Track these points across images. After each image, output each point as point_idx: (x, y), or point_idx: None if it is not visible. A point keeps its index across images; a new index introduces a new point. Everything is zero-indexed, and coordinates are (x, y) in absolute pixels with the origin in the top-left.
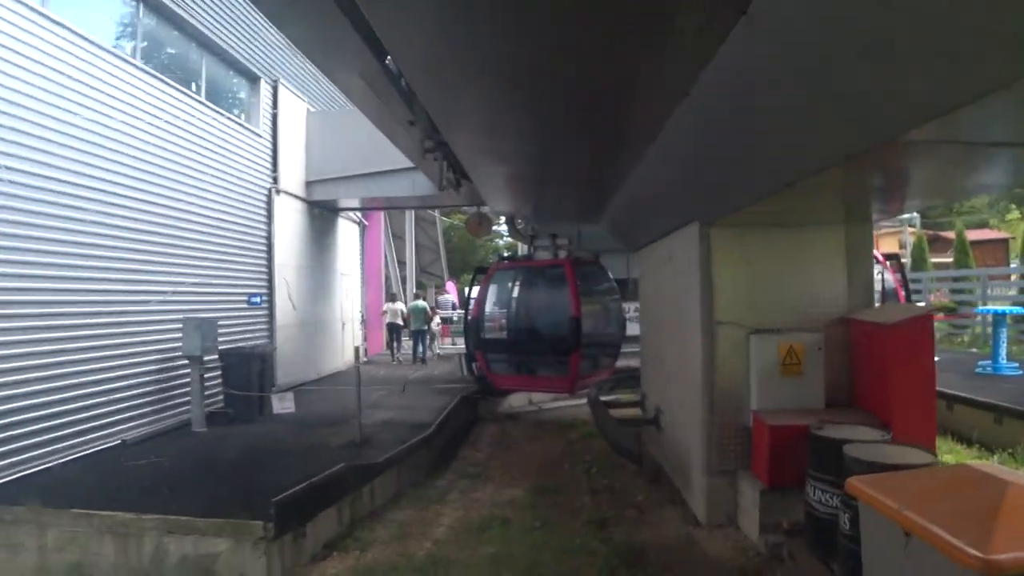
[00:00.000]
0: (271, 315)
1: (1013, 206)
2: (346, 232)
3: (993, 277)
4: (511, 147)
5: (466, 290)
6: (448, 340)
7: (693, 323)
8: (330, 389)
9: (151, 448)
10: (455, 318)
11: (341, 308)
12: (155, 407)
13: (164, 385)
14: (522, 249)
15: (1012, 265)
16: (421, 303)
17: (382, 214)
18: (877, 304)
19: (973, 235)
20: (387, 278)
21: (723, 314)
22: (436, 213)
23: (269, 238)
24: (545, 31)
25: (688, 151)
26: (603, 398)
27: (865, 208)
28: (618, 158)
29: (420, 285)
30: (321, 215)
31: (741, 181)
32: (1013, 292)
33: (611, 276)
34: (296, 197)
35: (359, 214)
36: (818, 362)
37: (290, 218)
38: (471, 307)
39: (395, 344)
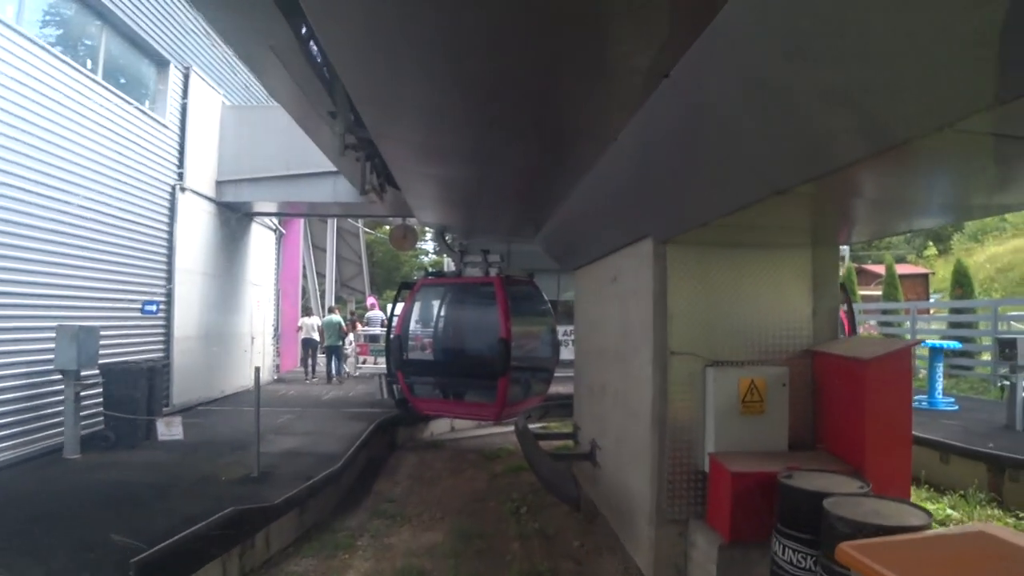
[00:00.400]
0: (168, 325)
1: (931, 242)
2: (260, 239)
3: (922, 311)
4: (447, 143)
5: (388, 307)
6: (370, 359)
7: (642, 352)
8: (233, 410)
9: (6, 479)
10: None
11: (251, 321)
12: (20, 429)
13: (32, 404)
14: (449, 265)
15: (932, 299)
16: (336, 318)
17: (301, 222)
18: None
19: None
20: (305, 291)
21: (678, 343)
22: (360, 224)
23: (170, 240)
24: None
25: (642, 156)
26: (532, 426)
27: (833, 230)
28: (566, 161)
29: (340, 300)
30: (233, 219)
31: (696, 194)
32: (940, 326)
33: (545, 297)
34: (205, 197)
35: (276, 220)
36: (782, 400)
37: (197, 220)
38: (394, 324)
39: (310, 361)
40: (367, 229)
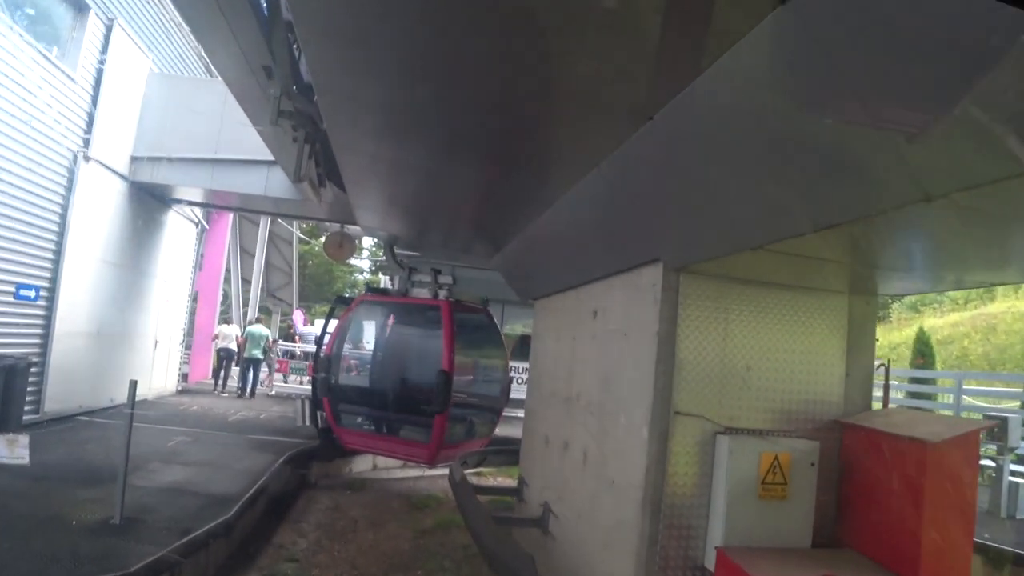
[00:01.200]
0: (50, 316)
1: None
2: (178, 231)
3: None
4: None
5: (318, 322)
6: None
7: (635, 410)
8: (120, 424)
9: None
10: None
11: (158, 322)
12: None
13: None
14: (385, 283)
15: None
16: (262, 329)
17: (229, 220)
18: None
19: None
20: (226, 296)
21: (685, 401)
22: (295, 230)
23: (64, 216)
24: None
25: (665, 154)
26: (466, 471)
27: (872, 278)
28: (547, 174)
29: (264, 310)
30: (147, 203)
31: (733, 208)
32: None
33: (499, 329)
34: (114, 173)
35: (198, 213)
36: (810, 483)
37: (101, 197)
38: (324, 343)
39: (223, 373)
40: (302, 236)
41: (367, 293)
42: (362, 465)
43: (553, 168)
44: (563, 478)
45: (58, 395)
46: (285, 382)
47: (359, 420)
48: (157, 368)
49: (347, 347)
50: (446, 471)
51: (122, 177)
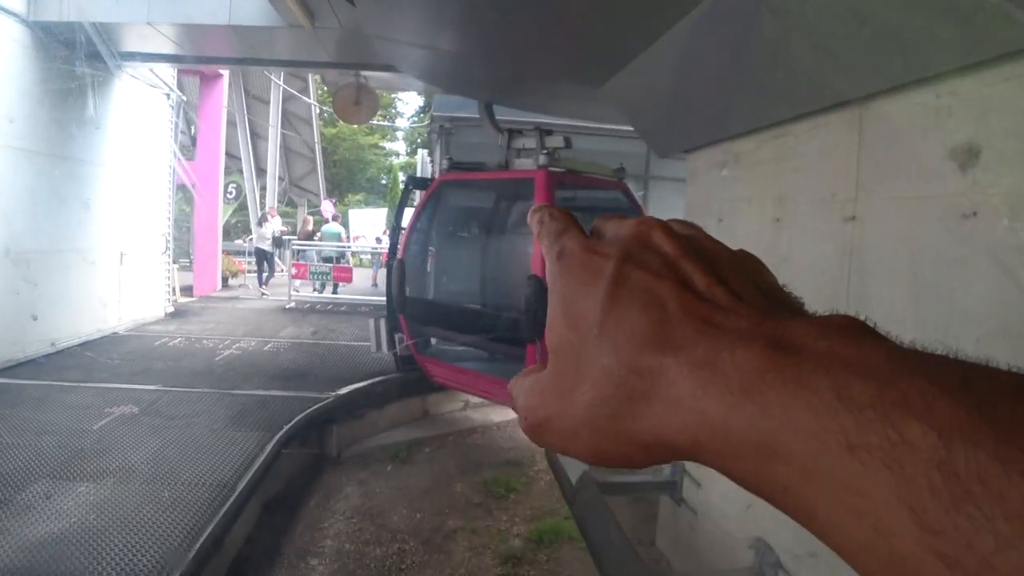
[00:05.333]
0: None
1: None
2: (139, 103)
3: None
4: None
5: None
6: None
7: None
8: (43, 386)
9: None
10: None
11: (121, 228)
12: None
13: None
14: (424, 162)
15: None
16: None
17: (224, 90)
18: None
19: None
20: (239, 189)
21: None
22: (312, 102)
23: None
24: None
25: None
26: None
27: None
28: None
29: (291, 203)
30: (72, 61)
31: None
32: None
33: (641, 208)
34: (5, 11)
35: (172, 82)
36: None
37: None
38: (399, 241)
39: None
40: (322, 107)
41: (450, 169)
42: (407, 412)
43: None
44: None
45: None
46: (297, 290)
47: (445, 345)
48: (128, 289)
49: (427, 246)
50: None
51: (18, 19)
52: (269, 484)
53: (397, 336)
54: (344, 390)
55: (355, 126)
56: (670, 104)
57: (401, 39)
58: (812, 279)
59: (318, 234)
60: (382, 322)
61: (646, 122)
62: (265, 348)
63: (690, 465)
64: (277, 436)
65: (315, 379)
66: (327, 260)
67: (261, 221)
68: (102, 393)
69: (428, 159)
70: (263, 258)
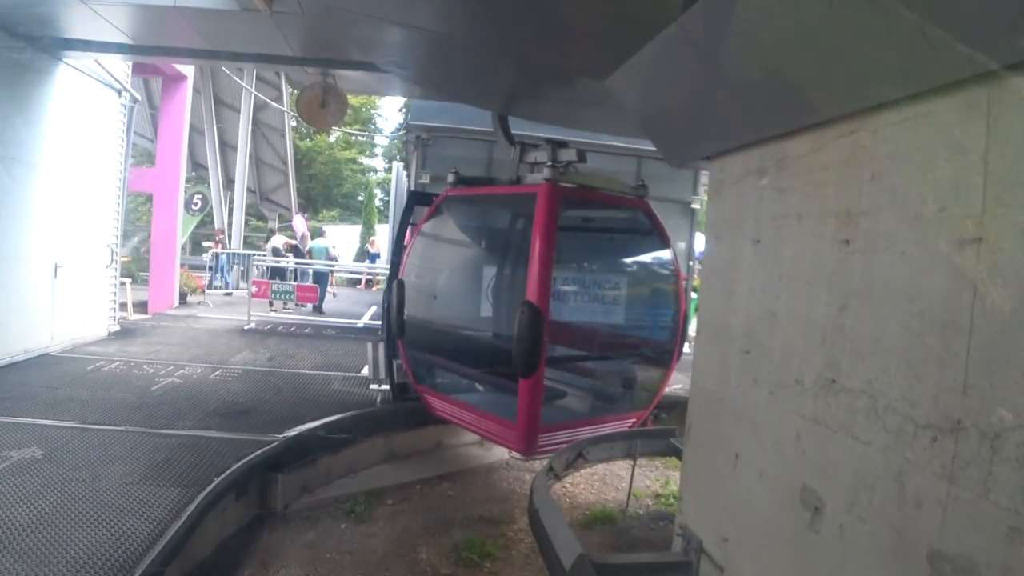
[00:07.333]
0: None
1: None
2: (85, 101)
3: None
4: None
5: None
6: (277, 304)
7: None
8: None
9: None
10: None
11: (56, 237)
12: None
13: None
14: (399, 176)
15: None
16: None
17: (187, 92)
18: None
19: None
20: (205, 200)
21: None
22: (286, 110)
23: None
24: None
25: None
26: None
27: None
28: None
29: (260, 217)
30: (5, 48)
31: None
32: None
33: (665, 233)
34: None
35: (125, 76)
36: None
37: None
38: (401, 261)
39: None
40: (291, 124)
41: (456, 184)
42: (368, 454)
43: None
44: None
45: None
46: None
47: (443, 377)
48: (63, 305)
49: (427, 267)
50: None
51: None
52: (191, 550)
53: (395, 363)
54: (293, 431)
55: (331, 140)
56: (690, 96)
57: (382, 16)
58: (906, 321)
59: (307, 249)
60: (380, 347)
61: (659, 122)
62: (212, 376)
63: (710, 543)
64: (204, 492)
65: (262, 416)
66: (319, 276)
67: (268, 238)
68: (4, 431)
69: (404, 172)
70: (277, 275)
